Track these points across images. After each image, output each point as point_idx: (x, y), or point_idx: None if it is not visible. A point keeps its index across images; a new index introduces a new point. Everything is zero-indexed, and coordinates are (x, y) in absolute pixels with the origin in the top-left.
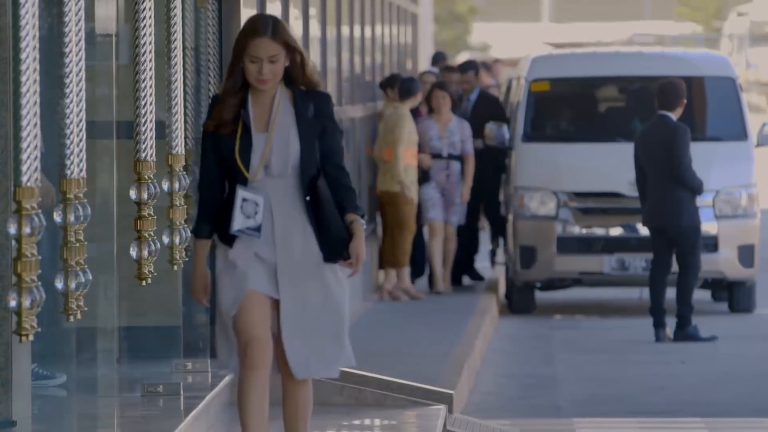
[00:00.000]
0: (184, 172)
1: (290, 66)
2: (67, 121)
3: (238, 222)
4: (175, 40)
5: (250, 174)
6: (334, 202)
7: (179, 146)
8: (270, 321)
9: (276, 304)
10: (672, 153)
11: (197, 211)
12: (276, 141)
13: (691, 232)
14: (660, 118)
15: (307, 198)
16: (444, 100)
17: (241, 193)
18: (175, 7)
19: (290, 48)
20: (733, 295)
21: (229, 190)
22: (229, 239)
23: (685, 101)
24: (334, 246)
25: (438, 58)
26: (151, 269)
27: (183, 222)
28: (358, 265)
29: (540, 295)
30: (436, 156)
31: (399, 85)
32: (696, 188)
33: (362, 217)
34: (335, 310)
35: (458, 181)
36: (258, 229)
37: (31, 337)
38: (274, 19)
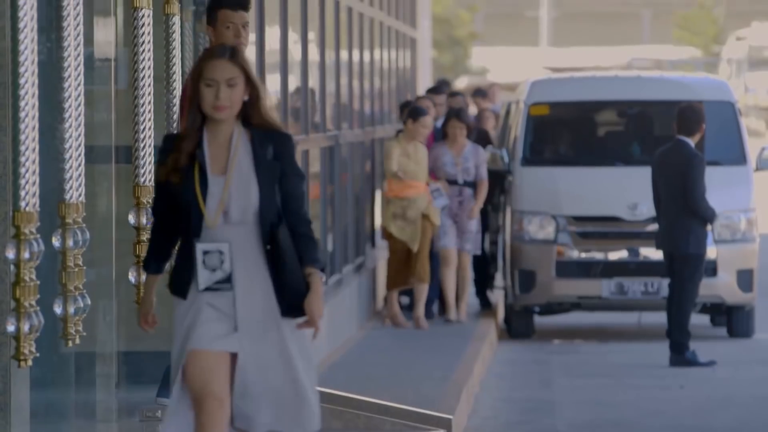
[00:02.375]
0: None
1: (247, 103)
2: (66, 146)
3: (204, 279)
4: (174, 64)
5: (207, 221)
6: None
7: None
8: (228, 378)
9: (233, 358)
10: (686, 182)
11: (147, 248)
12: (234, 185)
13: (694, 259)
14: (678, 143)
15: (268, 247)
16: (460, 131)
17: (199, 246)
18: (173, 32)
19: (248, 79)
20: (732, 319)
21: (182, 240)
22: (181, 291)
23: (704, 126)
24: (294, 301)
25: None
26: None
27: None
28: (316, 323)
29: (539, 320)
30: (451, 182)
31: (407, 112)
32: (709, 218)
33: (322, 270)
34: (294, 368)
35: (471, 207)
36: (229, 279)
37: (29, 362)
38: (233, 47)
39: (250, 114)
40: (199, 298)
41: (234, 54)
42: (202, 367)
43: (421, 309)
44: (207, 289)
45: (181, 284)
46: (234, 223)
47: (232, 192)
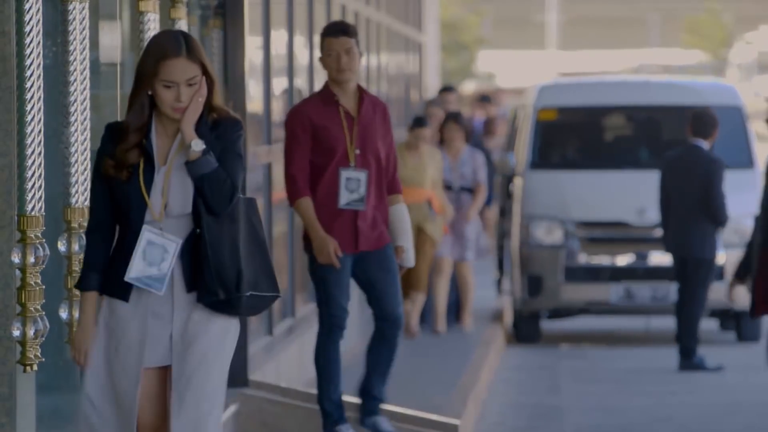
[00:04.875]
0: None
1: None
2: (72, 150)
3: (137, 268)
4: None
5: (152, 214)
6: (234, 235)
7: None
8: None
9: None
10: (707, 186)
11: (83, 259)
12: (176, 175)
13: (707, 264)
14: (693, 147)
15: (197, 230)
16: (458, 134)
17: (147, 234)
18: None
19: (205, 70)
20: (741, 324)
21: (121, 235)
22: (122, 291)
23: (716, 132)
24: (209, 281)
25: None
26: None
27: None
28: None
29: (546, 324)
30: (447, 188)
31: None
32: (724, 223)
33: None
34: (208, 372)
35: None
36: (161, 280)
37: (35, 367)
38: (184, 34)
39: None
40: (144, 305)
41: (190, 48)
42: (147, 392)
43: (415, 317)
44: (135, 279)
45: (122, 284)
46: (175, 216)
47: (173, 182)
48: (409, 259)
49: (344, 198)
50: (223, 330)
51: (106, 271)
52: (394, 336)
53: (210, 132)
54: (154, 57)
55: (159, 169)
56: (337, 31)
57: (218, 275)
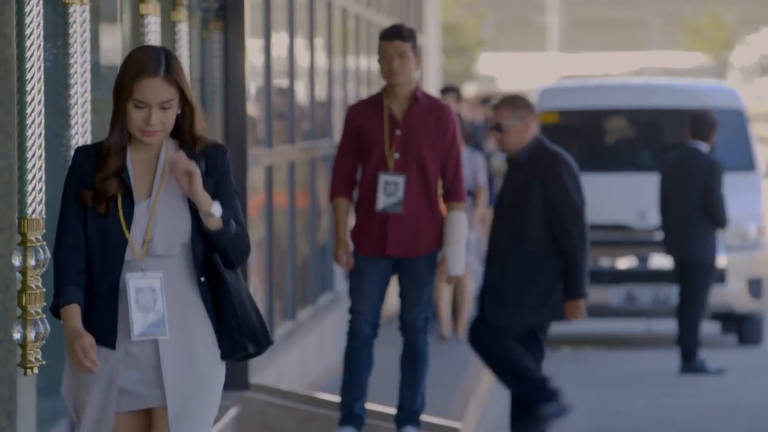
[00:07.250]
0: None
1: (179, 116)
2: (72, 153)
3: (139, 323)
4: None
5: (133, 253)
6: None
7: None
8: None
9: (147, 412)
10: (707, 189)
11: (54, 282)
12: (161, 210)
13: (708, 267)
14: (693, 150)
15: (202, 279)
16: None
17: (132, 283)
18: (180, 39)
19: (183, 96)
20: (742, 327)
21: (98, 278)
22: (108, 339)
23: (716, 134)
24: (239, 338)
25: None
26: None
27: None
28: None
29: None
30: None
31: None
32: (724, 225)
33: (225, 223)
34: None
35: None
36: (161, 323)
37: (35, 370)
38: (166, 53)
39: (182, 128)
40: (118, 347)
41: (169, 69)
42: None
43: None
44: (143, 334)
45: (105, 331)
46: (159, 255)
47: (159, 218)
48: (451, 267)
49: (382, 202)
50: (216, 374)
51: (82, 286)
52: (414, 345)
53: (196, 155)
54: (129, 73)
55: (139, 203)
56: (391, 34)
57: (250, 333)
